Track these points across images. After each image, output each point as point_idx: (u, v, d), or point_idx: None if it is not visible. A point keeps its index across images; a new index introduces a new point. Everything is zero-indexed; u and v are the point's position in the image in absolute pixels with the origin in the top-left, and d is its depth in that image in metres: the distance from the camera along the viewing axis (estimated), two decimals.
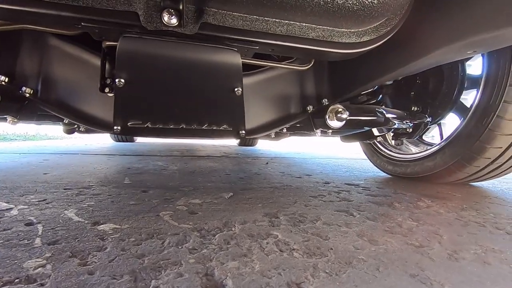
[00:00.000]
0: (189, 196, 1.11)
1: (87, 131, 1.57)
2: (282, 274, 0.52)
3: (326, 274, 0.53)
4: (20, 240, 0.62)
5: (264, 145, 5.62)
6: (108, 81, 0.89)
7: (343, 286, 0.49)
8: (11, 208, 0.86)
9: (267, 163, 2.59)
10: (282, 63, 0.99)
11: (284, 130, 1.60)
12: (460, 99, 1.53)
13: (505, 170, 1.37)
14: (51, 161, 2.12)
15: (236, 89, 0.79)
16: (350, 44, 0.83)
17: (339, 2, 0.68)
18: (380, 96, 1.54)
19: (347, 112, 1.01)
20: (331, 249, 0.65)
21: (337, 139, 1.84)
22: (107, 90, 0.88)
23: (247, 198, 1.12)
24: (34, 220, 0.76)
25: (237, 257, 0.59)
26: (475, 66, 1.59)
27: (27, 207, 0.88)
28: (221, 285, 0.48)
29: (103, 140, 5.55)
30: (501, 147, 1.25)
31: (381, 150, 2.01)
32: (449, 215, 0.97)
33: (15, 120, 0.90)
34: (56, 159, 2.26)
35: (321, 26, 0.77)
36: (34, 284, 0.46)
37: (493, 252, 0.66)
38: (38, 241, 0.62)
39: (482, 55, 1.41)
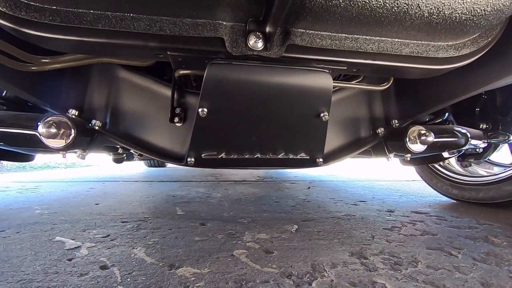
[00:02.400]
0: (252, 230, 1.02)
1: (130, 159, 1.56)
2: None
3: None
4: None
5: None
6: (178, 111, 0.85)
7: None
8: (79, 247, 0.81)
9: (309, 187, 2.47)
10: (362, 84, 0.92)
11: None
12: None
13: None
14: (97, 189, 2.14)
15: (322, 114, 0.72)
16: (447, 59, 0.74)
17: (445, 12, 0.60)
18: (446, 114, 1.41)
19: (433, 134, 0.90)
20: None
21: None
22: (176, 120, 0.85)
23: (316, 232, 1.01)
24: (108, 262, 0.70)
25: None
26: None
27: (94, 244, 0.83)
28: None
29: (136, 166, 5.69)
30: None
31: (442, 172, 1.83)
32: None
33: (84, 154, 0.88)
34: (101, 187, 2.28)
35: (416, 41, 0.69)
36: None
37: None
38: None
39: None
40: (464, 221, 1.20)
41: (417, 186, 2.41)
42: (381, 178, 3.30)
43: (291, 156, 0.79)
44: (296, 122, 0.73)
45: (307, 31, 0.64)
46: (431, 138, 0.89)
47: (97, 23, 0.57)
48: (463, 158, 1.56)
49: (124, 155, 1.53)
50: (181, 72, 0.79)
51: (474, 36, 0.72)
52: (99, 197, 1.77)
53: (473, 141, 1.24)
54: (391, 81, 0.93)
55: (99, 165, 6.64)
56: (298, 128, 0.74)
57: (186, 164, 0.75)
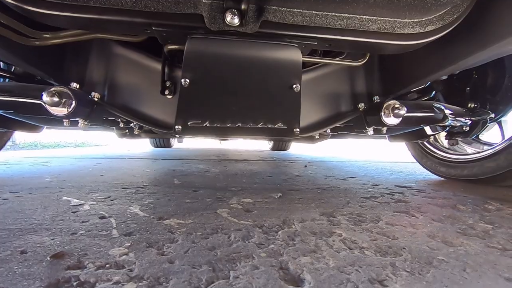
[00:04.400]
0: (239, 196, 1.12)
1: (137, 135, 1.66)
2: (360, 271, 0.50)
3: (407, 273, 0.50)
4: (99, 231, 0.67)
5: (297, 150, 5.56)
6: (168, 83, 0.93)
7: (431, 286, 0.45)
8: (82, 204, 0.93)
9: (305, 166, 2.55)
10: (336, 59, 0.97)
11: (328, 130, 1.56)
12: None
13: None
14: (104, 164, 2.27)
15: (294, 86, 0.79)
16: (412, 35, 0.79)
17: None
18: (433, 92, 1.45)
19: (405, 108, 0.96)
20: (404, 248, 0.61)
21: (373, 142, 1.76)
22: (167, 92, 0.93)
23: (297, 198, 1.11)
24: (106, 215, 0.81)
25: (307, 252, 0.57)
26: None
27: (95, 203, 0.95)
28: (299, 279, 0.47)
29: (143, 146, 5.86)
30: None
31: (431, 151, 1.89)
32: None
33: (86, 123, 0.97)
34: (107, 162, 2.42)
35: (383, 18, 0.74)
36: (124, 269, 0.48)
37: None
38: (115, 232, 0.67)
39: None
40: (442, 194, 1.28)
41: (413, 167, 2.47)
42: (380, 159, 3.36)
43: (269, 126, 0.86)
44: (270, 93, 0.80)
45: (280, 8, 0.70)
46: (403, 112, 0.95)
47: (89, 0, 0.64)
48: (451, 136, 1.61)
49: (127, 130, 1.63)
50: (169, 47, 0.86)
51: (440, 13, 0.77)
52: (104, 170, 1.90)
53: (457, 118, 1.29)
54: (367, 57, 0.98)
55: (107, 145, 6.85)
56: (273, 99, 0.81)
57: (174, 132, 0.84)
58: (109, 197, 1.04)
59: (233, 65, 0.75)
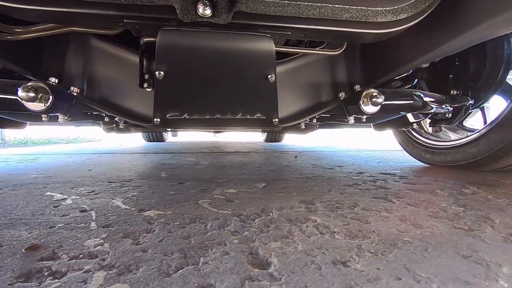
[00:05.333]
0: (224, 187, 1.14)
1: (122, 130, 1.66)
2: (326, 253, 0.52)
3: (371, 254, 0.52)
4: (78, 224, 0.68)
5: (291, 141, 5.59)
6: (147, 76, 0.93)
7: (390, 265, 0.48)
8: (65, 198, 0.93)
9: (296, 156, 2.58)
10: (313, 49, 0.98)
11: (314, 120, 1.58)
12: (506, 80, 1.42)
13: None
14: (93, 159, 2.27)
15: (269, 76, 0.80)
16: (386, 24, 0.79)
17: None
18: (415, 80, 1.47)
19: (383, 96, 0.98)
20: (373, 231, 0.63)
21: (366, 131, 1.78)
22: (145, 85, 0.93)
23: (280, 187, 1.13)
24: (87, 208, 0.82)
25: (279, 238, 0.59)
26: None
27: (78, 197, 0.95)
28: (267, 263, 0.49)
29: (136, 141, 5.83)
30: None
31: (417, 138, 1.92)
32: (499, 201, 0.90)
33: (65, 118, 0.97)
34: (97, 158, 2.41)
35: (355, 6, 0.75)
36: (96, 259, 0.50)
37: None
38: (93, 224, 0.68)
39: None
40: (423, 180, 1.31)
41: (401, 155, 2.51)
42: (372, 148, 3.40)
43: (248, 117, 0.87)
44: (246, 84, 0.81)
45: None
46: (380, 100, 0.97)
47: None
48: (434, 123, 1.64)
49: (113, 124, 1.62)
50: (145, 39, 0.86)
51: (412, 1, 0.77)
52: (93, 165, 1.89)
53: (438, 106, 1.31)
54: (344, 47, 0.99)
55: (100, 140, 6.79)
56: (249, 90, 0.82)
57: (154, 125, 0.84)
58: (93, 191, 1.05)
59: (206, 56, 0.75)
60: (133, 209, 0.81)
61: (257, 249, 0.54)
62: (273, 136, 5.29)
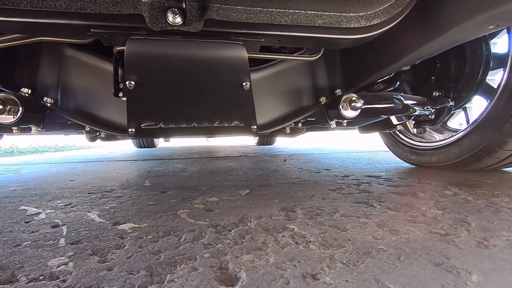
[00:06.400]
0: (206, 195, 1.12)
1: (108, 138, 1.63)
2: (297, 265, 0.51)
3: (343, 264, 0.51)
4: (46, 241, 0.66)
5: (283, 144, 5.59)
6: (121, 85, 0.91)
7: (360, 276, 0.47)
8: (39, 213, 0.91)
9: (285, 160, 2.57)
10: (290, 55, 0.97)
11: (300, 125, 1.57)
12: (486, 80, 1.44)
13: None
14: (78, 168, 2.22)
15: (244, 84, 0.79)
16: (359, 29, 0.80)
17: None
18: (398, 83, 1.48)
19: (362, 100, 0.98)
20: (349, 240, 0.62)
21: (356, 132, 1.78)
22: (121, 94, 0.91)
23: (263, 194, 1.11)
24: (60, 223, 0.79)
25: (252, 250, 0.58)
26: (501, 44, 1.49)
27: (53, 211, 0.93)
28: (235, 278, 0.47)
29: (126, 147, 5.77)
30: None
31: (402, 139, 1.94)
32: (478, 202, 0.91)
33: (39, 130, 0.95)
34: (83, 167, 2.36)
35: (327, 13, 0.75)
36: (57, 280, 0.48)
37: None
38: (62, 241, 0.65)
39: (508, 32, 1.32)
40: (407, 182, 1.31)
41: (390, 156, 2.52)
42: (362, 149, 3.41)
43: (226, 124, 0.86)
44: (220, 92, 0.80)
45: (223, 5, 0.69)
46: (359, 104, 0.97)
47: (19, 3, 0.62)
48: (418, 125, 1.65)
49: (97, 133, 1.59)
50: (118, 48, 0.84)
51: (384, 6, 0.78)
52: (76, 175, 1.85)
53: (420, 107, 1.32)
54: (322, 52, 0.99)
55: (89, 148, 6.69)
56: (224, 98, 0.81)
57: (129, 135, 0.82)
58: (70, 204, 1.02)
59: (178, 65, 0.74)
60: (107, 222, 0.79)
61: (228, 264, 0.53)
62: (265, 140, 5.29)
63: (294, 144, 5.33)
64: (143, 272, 0.50)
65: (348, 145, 4.28)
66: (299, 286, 0.44)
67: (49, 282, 0.47)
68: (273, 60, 1.05)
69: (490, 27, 0.84)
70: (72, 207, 0.97)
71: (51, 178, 1.70)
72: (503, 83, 1.26)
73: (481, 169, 1.49)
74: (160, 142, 6.63)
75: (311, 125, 1.55)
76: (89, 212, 0.90)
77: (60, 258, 0.56)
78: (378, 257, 0.54)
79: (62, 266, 0.52)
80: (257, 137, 5.33)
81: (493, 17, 0.77)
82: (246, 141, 6.86)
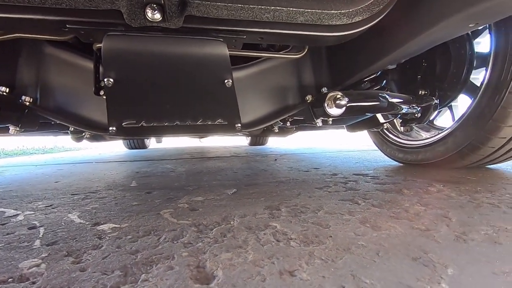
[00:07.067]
0: (192, 195, 1.11)
1: (95, 138, 1.60)
2: (275, 262, 0.50)
3: (321, 261, 0.51)
4: (21, 243, 0.64)
5: (275, 144, 5.60)
6: (102, 83, 0.90)
7: (337, 272, 0.47)
8: (17, 214, 0.88)
9: (275, 159, 2.57)
10: (274, 52, 0.97)
11: (288, 124, 1.57)
12: (470, 79, 1.46)
13: None
14: (65, 170, 2.18)
15: (226, 81, 0.78)
16: (341, 26, 0.80)
17: None
18: (384, 81, 1.49)
19: (346, 98, 0.98)
20: (330, 236, 0.62)
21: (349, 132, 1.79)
22: (102, 93, 0.89)
23: (250, 193, 1.11)
24: (38, 224, 0.77)
25: (232, 248, 0.57)
26: (484, 43, 1.52)
27: (33, 212, 0.90)
28: (212, 276, 0.47)
29: (116, 149, 5.69)
30: None
31: (390, 138, 1.95)
32: (461, 198, 0.92)
33: (18, 129, 0.92)
34: (70, 168, 2.32)
35: (309, 10, 0.75)
36: (26, 282, 0.46)
37: (505, 231, 0.62)
38: (37, 242, 0.63)
39: (490, 32, 1.34)
40: (393, 179, 1.32)
41: (380, 154, 2.54)
42: (354, 148, 3.44)
43: (209, 122, 0.85)
44: (202, 89, 0.79)
45: (203, 2, 0.68)
46: (344, 102, 0.97)
47: None
48: (405, 123, 1.67)
49: (83, 133, 1.56)
50: (97, 45, 0.83)
51: (366, 3, 0.78)
52: (62, 176, 1.82)
53: (405, 106, 1.33)
54: (306, 50, 0.99)
55: (79, 149, 6.58)
56: (207, 95, 0.80)
57: (110, 133, 0.81)
58: (51, 205, 1.00)
59: (157, 62, 0.73)
60: (87, 223, 0.77)
61: (205, 262, 0.52)
62: (257, 140, 5.29)
63: (286, 144, 5.34)
64: (118, 272, 0.48)
65: (340, 145, 4.30)
66: (275, 283, 0.44)
67: (17, 284, 0.45)
68: (259, 58, 1.04)
69: (470, 25, 0.85)
70: (53, 208, 0.95)
71: (35, 180, 1.66)
72: (485, 82, 1.28)
73: (466, 166, 1.51)
74: (152, 143, 6.57)
75: (299, 124, 1.55)
76: (69, 213, 0.88)
77: (33, 260, 0.54)
78: (357, 253, 0.53)
79: (33, 268, 0.51)
80: (250, 138, 5.32)
81: (472, 15, 0.78)
82: (238, 142, 6.85)
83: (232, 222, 0.75)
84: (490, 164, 1.52)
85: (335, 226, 0.69)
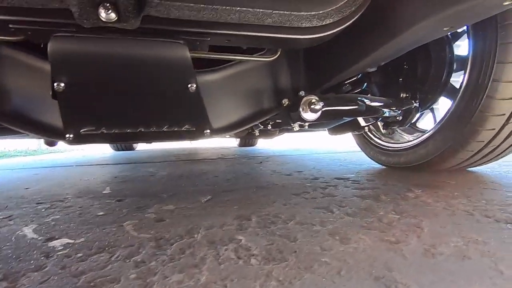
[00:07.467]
0: (163, 203, 1.06)
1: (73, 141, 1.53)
2: (227, 285, 0.46)
3: (278, 283, 0.47)
4: None
5: (265, 145, 5.56)
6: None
7: None
8: None
9: (261, 162, 2.54)
10: (244, 55, 0.93)
11: (269, 127, 1.53)
12: (451, 82, 1.46)
13: (501, 153, 1.29)
14: (41, 175, 2.10)
15: (189, 86, 0.74)
16: (313, 29, 0.76)
17: None
18: (365, 84, 1.47)
19: (321, 102, 0.95)
20: (295, 252, 0.59)
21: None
22: None
23: (225, 200, 1.07)
24: None
25: (186, 268, 0.53)
26: (464, 46, 1.52)
27: None
28: None
29: (102, 150, 5.56)
30: (494, 129, 1.17)
31: (373, 140, 1.94)
32: (437, 205, 0.90)
33: None
34: (47, 172, 2.23)
35: (277, 11, 0.71)
36: None
37: (475, 243, 0.59)
38: None
39: (468, 36, 1.33)
40: (373, 184, 1.30)
41: (365, 156, 2.53)
42: (342, 150, 3.43)
43: (176, 129, 0.81)
44: (165, 94, 0.74)
45: (163, 1, 0.64)
46: (319, 106, 0.94)
47: None
48: (386, 126, 1.66)
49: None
50: None
51: (337, 6, 0.75)
52: (35, 181, 1.74)
53: (382, 109, 1.31)
54: (278, 53, 0.95)
55: (65, 151, 6.41)
56: (170, 101, 0.76)
57: (67, 140, 0.75)
58: (9, 216, 0.93)
59: (113, 65, 0.68)
60: (40, 238, 0.72)
61: (153, 285, 0.47)
62: (246, 142, 5.26)
63: (275, 145, 5.32)
64: None
65: (329, 145, 4.30)
66: None
67: None
68: (230, 61, 1.00)
69: (445, 29, 0.83)
70: (9, 220, 0.89)
71: (6, 186, 1.58)
72: (463, 85, 1.27)
73: (447, 169, 1.51)
74: (141, 145, 6.44)
75: (281, 127, 1.51)
76: (26, 226, 0.83)
77: None
78: (318, 272, 0.50)
79: None
80: (239, 139, 5.28)
81: (445, 18, 0.75)
82: (228, 143, 6.79)
83: (196, 235, 0.70)
84: (470, 167, 1.52)
85: (302, 239, 0.65)
